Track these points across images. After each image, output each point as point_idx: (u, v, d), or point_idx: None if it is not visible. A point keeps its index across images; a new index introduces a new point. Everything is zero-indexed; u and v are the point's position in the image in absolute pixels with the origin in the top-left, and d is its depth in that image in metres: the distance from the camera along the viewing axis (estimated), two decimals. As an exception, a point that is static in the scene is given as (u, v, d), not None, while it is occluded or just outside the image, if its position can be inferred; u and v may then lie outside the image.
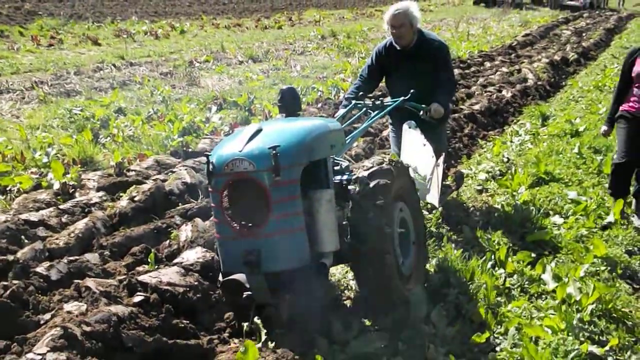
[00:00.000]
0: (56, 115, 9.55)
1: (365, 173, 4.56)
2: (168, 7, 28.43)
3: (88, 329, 4.17)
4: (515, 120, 11.61)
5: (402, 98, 5.86)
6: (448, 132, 9.90)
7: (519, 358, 4.04)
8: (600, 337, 4.38)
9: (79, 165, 7.33)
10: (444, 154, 6.02)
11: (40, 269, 5.04)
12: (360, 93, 6.20)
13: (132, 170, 7.36)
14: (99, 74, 13.55)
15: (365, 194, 4.42)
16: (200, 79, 13.26)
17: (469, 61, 17.42)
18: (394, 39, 6.27)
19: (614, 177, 6.61)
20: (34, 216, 5.86)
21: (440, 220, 6.43)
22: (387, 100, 6.07)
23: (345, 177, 4.76)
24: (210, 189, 4.32)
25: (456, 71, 15.19)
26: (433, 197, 5.70)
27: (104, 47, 17.46)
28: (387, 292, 4.44)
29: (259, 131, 4.28)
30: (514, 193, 7.12)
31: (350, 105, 6.11)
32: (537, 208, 6.66)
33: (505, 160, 8.70)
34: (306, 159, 4.23)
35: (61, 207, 6.19)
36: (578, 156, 8.51)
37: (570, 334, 4.29)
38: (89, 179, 7.01)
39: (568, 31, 25.78)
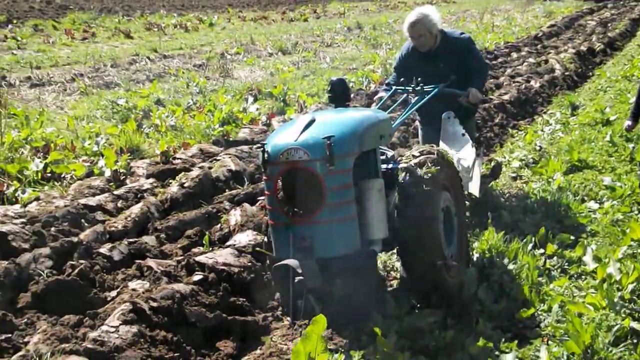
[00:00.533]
0: (99, 107, 9.86)
1: (413, 162, 4.64)
2: (194, 1, 28.76)
3: (154, 304, 4.43)
4: (544, 110, 11.76)
5: (442, 84, 5.96)
6: (479, 121, 10.11)
7: (564, 332, 4.24)
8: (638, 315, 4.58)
9: (127, 154, 7.58)
10: (483, 144, 6.19)
11: (103, 250, 5.32)
12: (399, 80, 6.28)
13: (177, 159, 7.63)
14: (135, 66, 13.89)
15: (413, 184, 4.50)
16: (233, 71, 13.51)
17: (495, 52, 17.56)
18: (415, 45, 6.37)
19: None
20: (92, 201, 6.15)
21: (479, 206, 6.63)
22: (427, 87, 6.06)
23: (391, 165, 4.90)
24: (264, 177, 4.48)
25: (484, 62, 15.37)
26: (474, 187, 5.86)
27: (136, 40, 17.83)
28: (432, 280, 4.54)
29: (312, 121, 4.43)
30: (549, 179, 7.32)
31: (392, 90, 6.20)
32: (573, 194, 6.85)
33: (538, 148, 8.87)
34: (358, 149, 4.38)
35: (115, 192, 6.48)
36: (610, 144, 8.65)
37: (612, 310, 4.48)
38: (137, 167, 7.30)
39: (593, 22, 25.73)
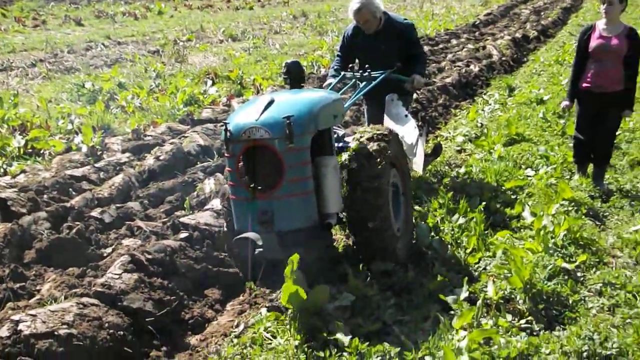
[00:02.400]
0: (64, 90, 10.26)
1: (362, 141, 4.91)
2: (139, -11, 28.84)
3: (150, 256, 5.04)
4: (484, 92, 12.56)
5: (388, 70, 6.21)
6: (424, 102, 10.87)
7: (506, 271, 4.96)
8: (571, 258, 5.34)
9: (100, 131, 8.07)
10: (426, 124, 6.76)
11: (95, 213, 5.87)
12: (344, 66, 6.60)
13: (148, 135, 8.16)
14: (91, 52, 14.27)
15: (362, 162, 4.76)
16: (188, 57, 13.99)
17: (436, 39, 18.33)
18: (363, 29, 6.54)
19: (575, 148, 7.27)
20: (77, 172, 6.66)
21: (428, 175, 7.34)
22: (375, 72, 6.24)
23: (342, 144, 5.24)
24: (227, 155, 4.68)
25: (426, 48, 16.05)
26: (417, 164, 6.28)
27: (87, 27, 18.10)
28: (382, 252, 4.87)
29: (271, 102, 4.64)
30: (490, 151, 8.08)
31: (340, 76, 6.40)
32: (512, 162, 7.62)
33: (479, 125, 9.64)
34: (315, 128, 4.62)
35: (96, 165, 7.00)
36: (544, 120, 9.49)
37: (546, 254, 5.24)
38: (112, 143, 7.81)
39: (527, 10, 26.74)
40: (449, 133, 9.31)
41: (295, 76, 5.36)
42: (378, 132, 5.04)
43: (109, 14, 20.27)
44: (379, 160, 4.78)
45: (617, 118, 6.97)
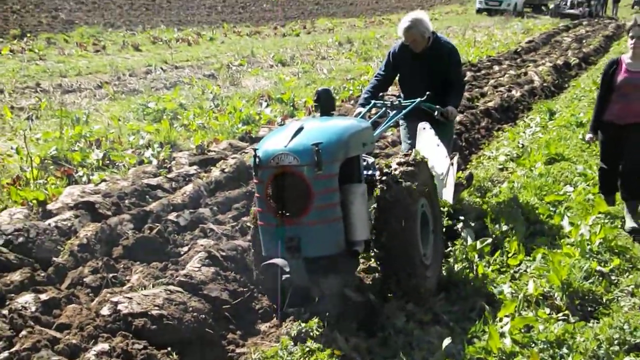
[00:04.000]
0: (130, 109, 11.05)
1: (392, 172, 4.95)
2: (189, 16, 29.96)
3: (224, 253, 5.67)
4: (525, 116, 13.05)
5: (419, 99, 6.24)
6: (467, 124, 11.39)
7: (545, 272, 5.47)
8: (605, 263, 5.82)
9: (168, 147, 8.78)
10: (457, 154, 6.95)
11: (171, 217, 6.51)
12: (378, 92, 6.59)
13: (212, 151, 8.83)
14: (151, 75, 15.17)
15: (392, 193, 4.81)
16: (241, 80, 14.75)
17: (479, 65, 18.85)
18: (411, 47, 6.62)
19: (600, 178, 7.36)
20: (152, 181, 7.33)
21: (472, 189, 7.86)
22: (405, 101, 6.34)
23: (371, 172, 5.26)
24: (255, 180, 4.70)
25: (468, 73, 16.71)
26: (448, 194, 6.31)
27: (145, 52, 19.11)
28: (409, 279, 4.85)
29: (301, 129, 4.67)
30: (531, 168, 8.59)
31: (370, 105, 6.44)
32: (552, 179, 8.11)
33: (521, 145, 10.14)
34: (343, 155, 4.64)
35: (168, 176, 7.67)
36: (583, 142, 9.95)
37: (583, 258, 5.74)
38: (179, 157, 8.49)
39: (569, 38, 27.12)
40: (492, 153, 9.84)
41: (325, 103, 5.32)
42: (408, 159, 5.12)
43: (163, 40, 21.21)
44: (407, 188, 4.82)
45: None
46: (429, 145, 6.27)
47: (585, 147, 9.75)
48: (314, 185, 4.45)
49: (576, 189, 7.87)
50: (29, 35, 20.13)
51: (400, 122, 7.07)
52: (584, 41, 26.12)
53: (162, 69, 16.08)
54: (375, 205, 4.89)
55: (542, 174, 8.30)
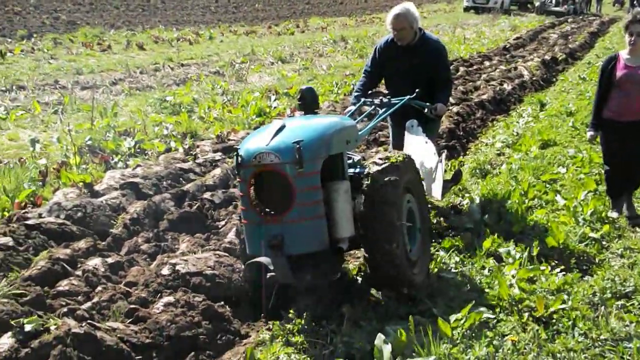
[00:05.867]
0: (147, 104, 11.75)
1: (377, 168, 4.96)
2: (185, 16, 30.65)
3: (259, 225, 6.34)
4: (517, 107, 13.81)
5: (407, 97, 6.27)
6: (464, 115, 12.14)
7: (544, 237, 6.21)
8: (597, 230, 6.56)
9: (190, 136, 9.49)
10: (444, 151, 7.18)
11: (206, 195, 7.22)
12: (367, 89, 6.72)
13: (232, 139, 9.53)
14: (160, 73, 15.90)
15: (376, 188, 4.83)
16: (246, 76, 15.47)
17: (470, 60, 19.58)
18: (396, 39, 6.61)
19: (607, 180, 7.23)
20: (184, 166, 8.04)
21: (474, 170, 8.61)
22: (395, 99, 6.35)
23: (357, 170, 5.23)
24: (238, 179, 4.81)
25: (461, 69, 17.47)
26: (436, 191, 6.25)
27: (149, 51, 19.83)
28: (395, 277, 4.89)
29: (282, 127, 4.68)
30: (527, 152, 9.35)
31: (360, 103, 6.49)
32: (546, 161, 8.87)
33: (515, 133, 10.90)
34: (325, 153, 4.64)
35: (197, 161, 8.37)
36: (573, 129, 10.74)
37: (577, 224, 6.51)
38: (203, 145, 9.20)
39: (555, 34, 27.83)
40: (489, 140, 10.60)
41: (309, 102, 5.36)
42: (393, 156, 5.14)
43: (164, 39, 21.89)
44: (392, 184, 4.86)
45: None
46: (418, 142, 6.32)
47: (575, 134, 10.52)
48: (296, 183, 4.47)
49: (568, 169, 8.62)
50: (35, 35, 20.77)
51: (390, 125, 7.18)
52: (569, 37, 26.87)
53: (169, 66, 16.78)
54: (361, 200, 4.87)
55: (537, 156, 9.05)
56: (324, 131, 4.74)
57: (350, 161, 5.32)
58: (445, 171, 7.00)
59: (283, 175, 4.48)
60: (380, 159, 5.11)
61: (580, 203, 7.04)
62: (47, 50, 18.44)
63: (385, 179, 4.84)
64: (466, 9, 42.17)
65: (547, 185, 7.91)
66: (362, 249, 5.08)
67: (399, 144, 6.74)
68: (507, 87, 15.20)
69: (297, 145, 4.40)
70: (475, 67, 18.67)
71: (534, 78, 16.78)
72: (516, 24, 32.68)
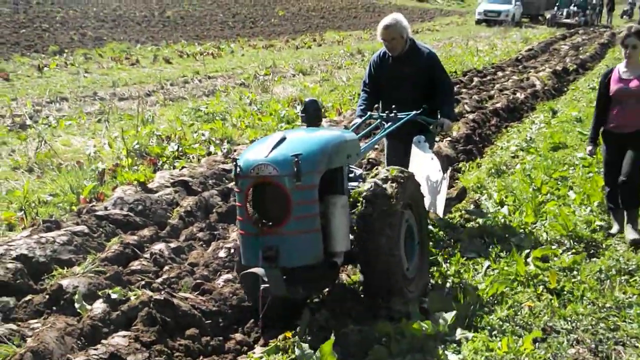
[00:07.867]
0: (182, 113, 12.58)
1: (377, 183, 4.96)
2: (205, 31, 31.55)
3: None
4: (530, 115, 14.53)
5: (414, 112, 6.33)
6: (480, 122, 12.87)
7: (555, 225, 6.92)
8: (603, 220, 7.27)
9: (226, 141, 10.28)
10: (449, 168, 7.43)
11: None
12: (371, 103, 6.88)
13: (265, 144, 10.31)
14: (189, 85, 16.79)
15: (375, 204, 4.84)
16: (270, 88, 16.29)
17: (484, 71, 20.28)
18: (388, 50, 6.69)
19: (608, 198, 7.20)
20: (226, 167, 8.81)
21: (490, 170, 9.33)
22: (401, 113, 6.38)
23: (358, 184, 5.26)
24: (236, 189, 4.70)
25: (475, 79, 18.19)
26: (439, 208, 6.30)
27: (175, 65, 20.75)
28: (389, 293, 4.92)
29: (283, 139, 4.64)
30: (539, 154, 10.07)
31: (366, 117, 6.57)
32: (557, 162, 9.59)
33: (528, 138, 11.62)
34: (324, 167, 4.62)
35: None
36: (582, 134, 11.44)
37: (585, 213, 7.23)
38: (240, 149, 9.96)
39: (566, 46, 28.45)
40: (504, 144, 11.34)
41: (311, 114, 5.33)
42: (393, 172, 5.13)
43: (188, 53, 22.81)
44: (391, 200, 4.86)
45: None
46: (423, 158, 6.34)
47: (584, 138, 11.21)
48: (293, 196, 4.42)
49: (577, 169, 9.32)
50: (66, 51, 21.73)
51: (385, 140, 7.04)
52: (580, 48, 27.52)
53: (197, 79, 17.65)
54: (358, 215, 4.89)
55: (548, 157, 9.77)
56: (324, 145, 4.73)
57: (351, 175, 5.46)
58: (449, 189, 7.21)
59: (280, 187, 4.44)
60: (379, 172, 5.21)
61: (588, 195, 7.75)
62: (79, 65, 19.37)
63: (384, 195, 4.87)
64: (478, 22, 42.75)
65: (559, 183, 8.61)
66: (357, 264, 5.16)
67: (394, 158, 6.87)
68: (520, 96, 15.91)
69: (296, 159, 4.36)
70: (488, 77, 19.39)
71: (546, 87, 17.47)
72: (528, 36, 33.31)
